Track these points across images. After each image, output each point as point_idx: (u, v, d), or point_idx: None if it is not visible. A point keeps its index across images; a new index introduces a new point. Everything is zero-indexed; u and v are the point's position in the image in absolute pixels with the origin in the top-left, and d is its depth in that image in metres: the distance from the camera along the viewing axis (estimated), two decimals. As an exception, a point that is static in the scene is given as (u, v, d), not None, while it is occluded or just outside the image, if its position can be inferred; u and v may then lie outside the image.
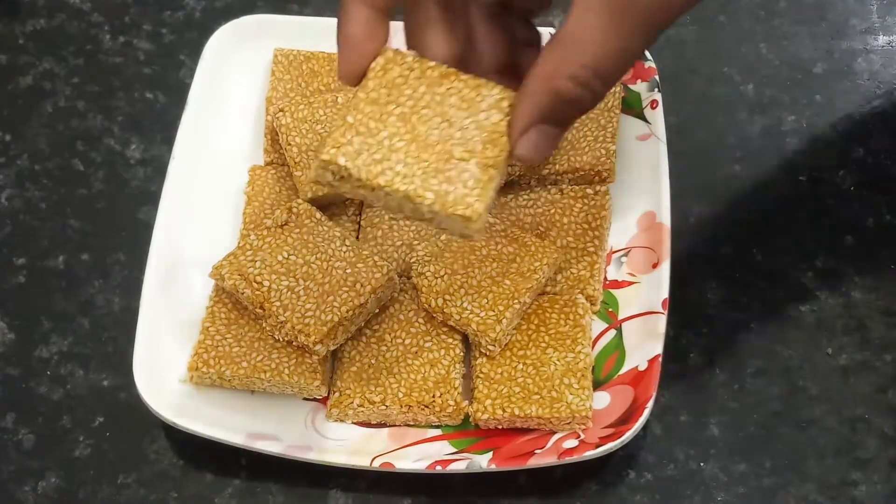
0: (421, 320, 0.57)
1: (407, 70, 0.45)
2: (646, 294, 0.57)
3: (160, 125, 0.66)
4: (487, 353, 0.55)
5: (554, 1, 0.49)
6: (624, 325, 0.57)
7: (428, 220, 0.45)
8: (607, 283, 0.59)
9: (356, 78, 0.45)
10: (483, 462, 0.53)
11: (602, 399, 0.55)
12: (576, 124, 0.61)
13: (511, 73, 0.46)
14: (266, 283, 0.55)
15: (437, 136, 0.44)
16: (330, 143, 0.43)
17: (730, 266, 0.61)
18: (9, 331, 0.60)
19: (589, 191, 0.60)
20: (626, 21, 0.40)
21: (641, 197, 0.60)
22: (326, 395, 0.56)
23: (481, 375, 0.55)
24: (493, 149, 0.44)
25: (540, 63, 0.42)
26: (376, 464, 0.53)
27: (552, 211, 0.60)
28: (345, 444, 0.55)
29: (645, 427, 0.54)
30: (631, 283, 0.58)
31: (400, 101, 0.44)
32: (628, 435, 0.52)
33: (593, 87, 0.42)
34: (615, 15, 0.40)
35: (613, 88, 0.62)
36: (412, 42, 0.46)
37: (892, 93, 0.67)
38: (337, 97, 0.62)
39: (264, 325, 0.56)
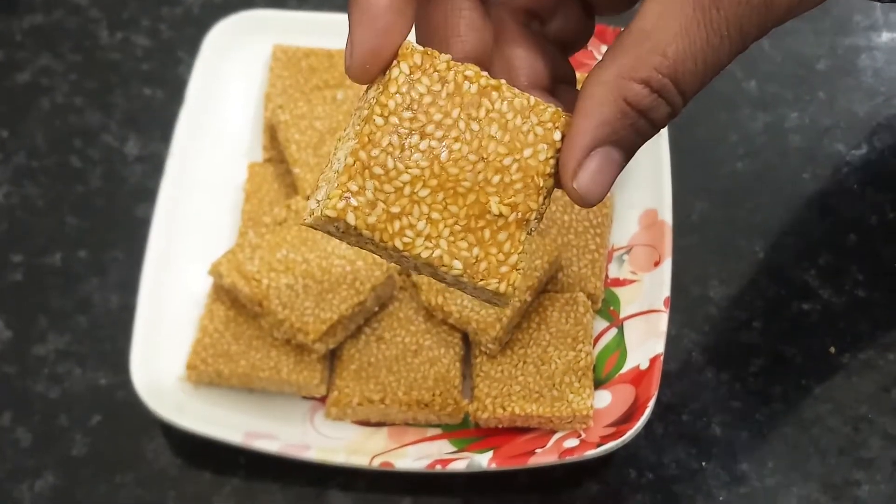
0: (421, 318, 0.56)
1: (438, 83, 0.35)
2: (647, 292, 0.57)
3: (158, 122, 0.66)
4: (488, 352, 0.55)
5: None
6: (625, 323, 0.57)
7: (448, 284, 0.37)
8: (608, 281, 0.59)
9: (370, 71, 0.35)
10: (483, 461, 0.52)
11: (603, 398, 0.54)
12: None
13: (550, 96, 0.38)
14: (265, 281, 0.55)
15: (471, 181, 0.35)
16: (336, 192, 0.34)
17: (732, 264, 0.61)
18: (6, 328, 0.60)
19: (590, 188, 0.60)
20: (715, 15, 0.33)
21: (643, 194, 0.60)
22: (325, 393, 0.56)
23: (481, 374, 0.55)
24: (537, 198, 0.36)
25: (603, 66, 0.34)
26: (375, 463, 0.53)
27: (553, 208, 0.59)
28: (344, 442, 0.55)
29: (646, 426, 0.53)
30: (632, 282, 0.58)
31: (427, 130, 0.35)
32: (630, 434, 0.52)
33: (670, 96, 0.34)
34: (702, 6, 0.33)
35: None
36: (433, 33, 0.37)
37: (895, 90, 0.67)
38: (336, 94, 0.61)
39: (263, 323, 0.56)
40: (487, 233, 0.35)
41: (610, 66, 0.33)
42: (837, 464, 0.55)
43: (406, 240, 0.35)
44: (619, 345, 0.56)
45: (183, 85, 0.63)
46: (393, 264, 0.55)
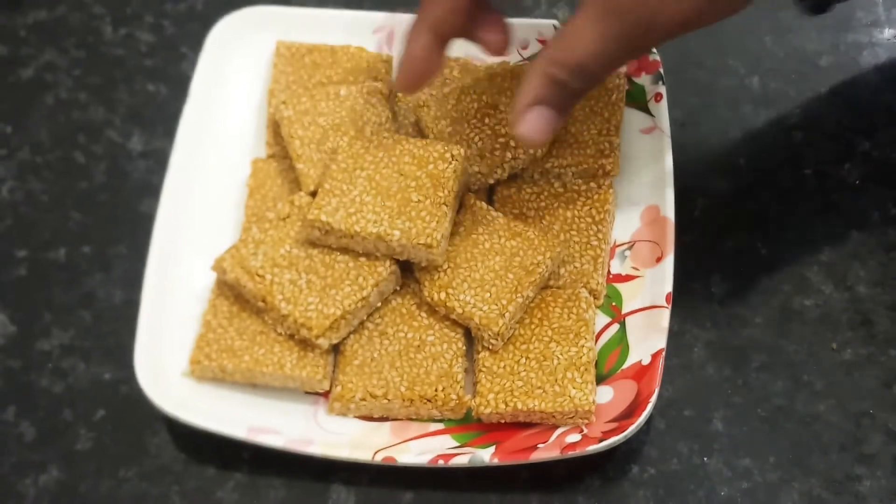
0: (423, 314, 0.57)
1: (367, 143, 0.57)
2: (649, 288, 0.57)
3: (162, 117, 0.66)
4: (490, 347, 0.55)
5: None
6: (627, 319, 0.57)
7: (399, 254, 0.55)
8: (611, 277, 0.59)
9: (410, 90, 0.55)
10: (486, 456, 0.52)
11: (605, 393, 0.55)
12: (578, 118, 0.60)
13: None
14: (268, 277, 0.55)
15: (397, 187, 0.55)
16: (314, 206, 0.55)
17: (734, 260, 0.61)
18: (10, 323, 0.60)
19: (592, 184, 0.60)
20: (610, 32, 0.48)
21: (645, 190, 0.60)
22: (328, 388, 0.56)
23: (484, 369, 0.55)
24: (443, 190, 0.55)
25: (541, 53, 0.50)
26: (378, 458, 0.53)
27: (555, 205, 0.59)
28: (347, 437, 0.55)
29: (648, 422, 0.54)
30: (634, 277, 0.58)
31: (364, 166, 0.56)
32: (631, 429, 0.52)
33: (579, 79, 0.49)
34: (602, 25, 0.48)
35: (616, 82, 0.62)
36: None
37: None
38: (339, 90, 0.61)
39: (266, 318, 0.56)
40: (414, 212, 0.54)
41: (544, 53, 0.50)
42: (839, 459, 0.55)
43: (361, 225, 0.54)
44: (621, 340, 0.56)
45: (186, 81, 0.63)
46: (393, 263, 0.55)
